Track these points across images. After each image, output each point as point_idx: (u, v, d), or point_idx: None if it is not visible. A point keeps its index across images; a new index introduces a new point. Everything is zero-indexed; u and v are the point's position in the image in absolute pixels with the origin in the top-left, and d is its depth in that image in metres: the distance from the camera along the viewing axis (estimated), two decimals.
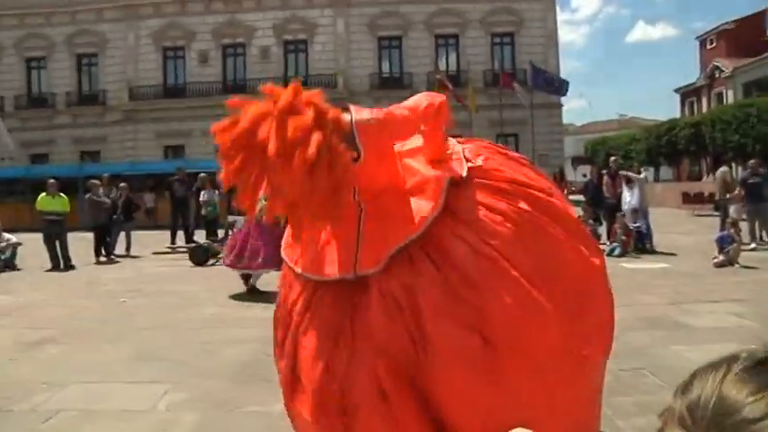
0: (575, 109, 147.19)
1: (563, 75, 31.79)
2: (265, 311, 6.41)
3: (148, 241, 13.63)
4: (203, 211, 15.11)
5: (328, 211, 1.77)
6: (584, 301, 1.98)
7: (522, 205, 2.01)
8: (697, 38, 38.72)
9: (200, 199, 15.20)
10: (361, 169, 1.89)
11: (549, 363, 1.86)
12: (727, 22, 35.17)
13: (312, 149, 1.62)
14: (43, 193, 11.51)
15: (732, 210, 11.17)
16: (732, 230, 9.66)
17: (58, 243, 11.18)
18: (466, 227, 1.94)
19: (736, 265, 9.07)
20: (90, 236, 12.32)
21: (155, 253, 12.16)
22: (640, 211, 10.94)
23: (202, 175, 14.31)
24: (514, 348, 1.82)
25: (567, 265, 2.00)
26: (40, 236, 11.31)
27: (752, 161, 12.39)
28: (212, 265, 11.02)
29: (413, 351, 1.84)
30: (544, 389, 1.85)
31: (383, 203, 2.03)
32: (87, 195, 12.63)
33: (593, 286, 2.06)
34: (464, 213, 1.97)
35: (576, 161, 44.03)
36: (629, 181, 11.38)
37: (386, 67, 31.79)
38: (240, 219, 12.51)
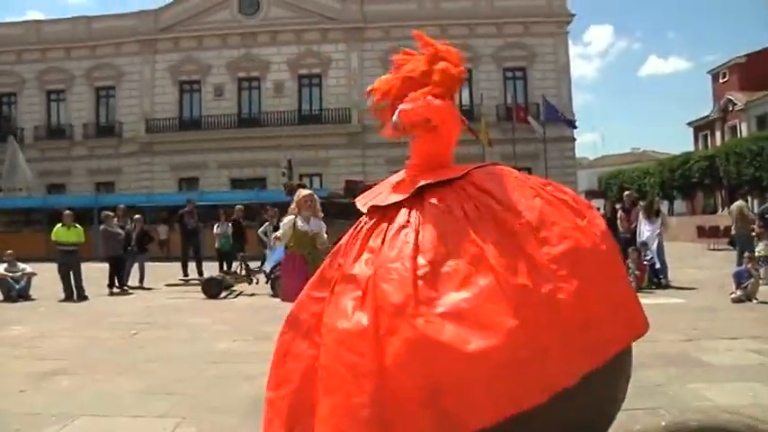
0: (588, 143, 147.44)
1: (575, 108, 31.97)
2: None
3: (162, 273, 13.66)
4: (216, 244, 15.17)
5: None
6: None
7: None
8: (709, 71, 38.83)
9: (214, 231, 15.27)
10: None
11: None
12: (738, 56, 35.29)
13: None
14: (59, 224, 11.62)
15: (762, 246, 10.93)
16: (750, 265, 9.54)
17: (72, 274, 11.24)
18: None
19: (755, 301, 8.93)
20: (104, 266, 12.38)
21: (167, 285, 12.17)
22: (659, 245, 10.80)
23: (239, 206, 14.35)
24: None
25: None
26: (54, 266, 11.38)
27: None
28: (225, 297, 11.03)
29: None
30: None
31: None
32: (102, 227, 12.73)
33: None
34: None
35: (590, 195, 43.82)
36: (657, 213, 11.23)
37: None
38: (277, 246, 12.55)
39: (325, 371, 2.40)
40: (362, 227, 2.73)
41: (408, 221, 2.52)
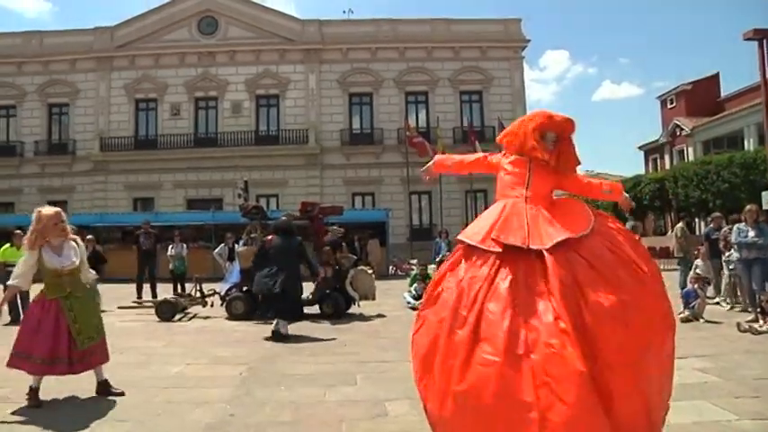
0: None
1: None
2: (233, 370, 6.31)
3: (114, 294, 13.35)
4: (171, 266, 14.92)
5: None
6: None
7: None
8: (658, 97, 40.15)
9: (168, 253, 15.04)
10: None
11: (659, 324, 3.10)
12: (685, 83, 36.64)
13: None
14: (7, 244, 11.25)
15: (701, 267, 11.30)
16: (696, 285, 9.84)
17: (18, 296, 10.87)
18: (606, 240, 3.16)
19: (701, 320, 9.21)
20: None
21: (120, 307, 11.89)
22: None
23: (249, 228, 14.02)
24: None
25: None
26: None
27: (714, 215, 12.66)
28: (179, 320, 10.83)
29: (577, 309, 2.83)
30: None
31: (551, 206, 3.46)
32: None
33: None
34: (604, 234, 3.22)
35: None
36: None
37: (356, 122, 32.28)
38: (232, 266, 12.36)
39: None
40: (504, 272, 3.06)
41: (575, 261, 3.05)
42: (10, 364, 5.10)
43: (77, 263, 5.24)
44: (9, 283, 5.21)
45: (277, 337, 8.34)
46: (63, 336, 5.10)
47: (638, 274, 3.05)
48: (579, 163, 3.74)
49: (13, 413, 4.87)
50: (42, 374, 5.13)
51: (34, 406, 4.97)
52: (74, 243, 5.30)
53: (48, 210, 5.23)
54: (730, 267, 10.61)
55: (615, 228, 3.34)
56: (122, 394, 5.28)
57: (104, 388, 5.34)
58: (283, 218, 10.49)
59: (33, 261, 5.08)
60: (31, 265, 5.09)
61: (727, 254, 10.67)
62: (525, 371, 2.68)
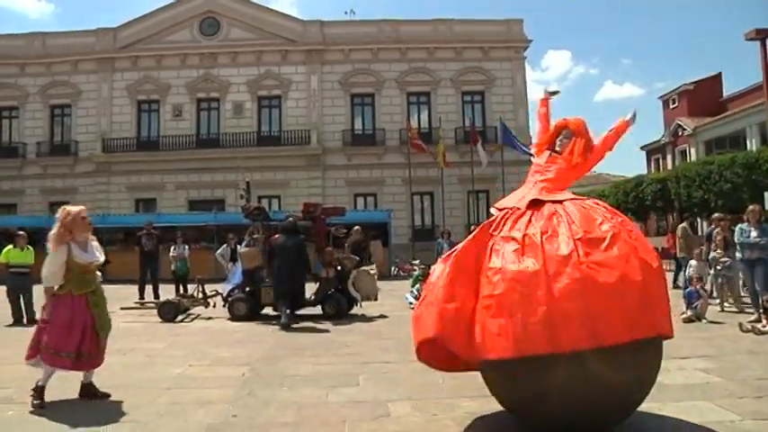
0: None
1: (533, 132, 32.53)
2: (235, 371, 6.32)
3: (117, 295, 13.35)
4: (173, 267, 14.93)
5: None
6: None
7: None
8: (660, 97, 40.11)
9: (171, 254, 15.06)
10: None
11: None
12: (687, 83, 36.58)
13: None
14: (10, 246, 11.27)
15: (693, 267, 11.22)
16: (699, 286, 9.83)
17: (22, 297, 10.90)
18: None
19: (704, 321, 9.21)
20: None
21: (123, 308, 11.89)
22: None
23: (251, 229, 13.99)
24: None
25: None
26: (2, 288, 11.03)
27: (714, 216, 12.60)
28: (181, 321, 10.85)
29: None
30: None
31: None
32: None
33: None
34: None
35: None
36: None
37: (358, 123, 32.27)
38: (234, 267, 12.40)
39: (496, 299, 3.69)
40: (509, 215, 4.18)
41: (556, 211, 4.02)
42: (47, 362, 5.08)
43: (102, 259, 5.34)
44: (45, 285, 5.15)
45: (284, 327, 9.42)
46: (89, 331, 5.16)
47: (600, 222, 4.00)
48: (605, 148, 4.89)
49: (14, 413, 4.88)
50: (71, 370, 5.17)
51: (38, 406, 4.97)
52: (95, 241, 5.38)
53: (74, 206, 5.31)
54: (717, 267, 10.61)
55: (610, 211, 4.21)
56: (108, 396, 5.28)
57: (90, 391, 5.33)
58: (290, 219, 10.66)
59: (64, 258, 5.04)
60: (63, 261, 5.04)
61: (712, 254, 10.68)
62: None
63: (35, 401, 5.00)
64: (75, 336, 5.06)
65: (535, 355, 3.50)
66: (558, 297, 3.52)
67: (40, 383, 5.09)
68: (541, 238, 3.81)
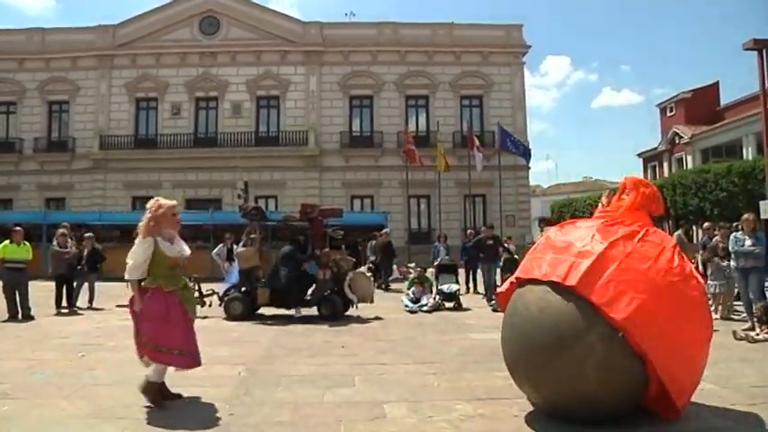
0: (541, 171, 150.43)
1: (530, 137, 32.72)
2: (231, 370, 6.33)
3: (113, 293, 13.35)
4: None
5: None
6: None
7: None
8: (658, 105, 40.24)
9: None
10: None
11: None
12: (685, 92, 36.72)
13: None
14: (6, 241, 11.26)
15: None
16: None
17: (17, 292, 10.89)
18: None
19: None
20: (52, 285, 12.05)
21: (119, 306, 11.87)
22: None
23: (249, 229, 13.93)
24: None
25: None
26: None
27: (706, 225, 12.64)
28: None
29: None
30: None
31: None
32: (51, 244, 12.40)
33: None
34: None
35: (542, 222, 44.76)
36: None
37: (356, 125, 32.33)
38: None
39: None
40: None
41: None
42: (156, 360, 4.86)
43: (188, 253, 5.10)
44: (128, 277, 4.91)
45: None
46: (189, 327, 5.02)
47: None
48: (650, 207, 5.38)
49: (9, 408, 4.88)
50: (176, 366, 5.02)
51: (172, 398, 4.97)
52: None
53: (166, 200, 5.13)
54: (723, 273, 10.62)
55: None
56: (180, 396, 5.12)
57: (164, 392, 5.07)
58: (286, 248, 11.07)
59: (151, 251, 4.85)
60: (149, 255, 4.84)
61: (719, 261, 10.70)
62: None
63: (169, 400, 4.92)
64: (175, 331, 4.84)
65: None
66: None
67: (155, 380, 4.92)
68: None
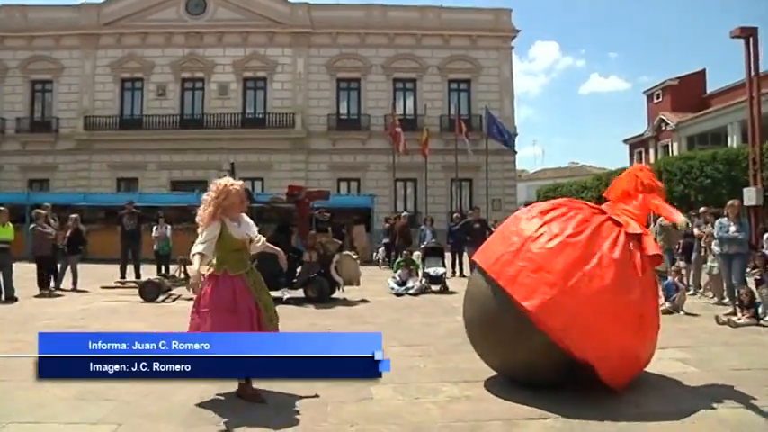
0: (528, 156, 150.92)
1: (518, 122, 32.74)
2: None
3: (98, 275, 13.27)
4: (155, 247, 14.84)
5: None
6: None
7: None
8: (644, 92, 40.36)
9: (153, 234, 14.96)
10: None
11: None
12: (671, 79, 36.84)
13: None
14: None
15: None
16: (677, 278, 9.98)
17: (1, 273, 10.78)
18: None
19: (682, 312, 9.36)
20: (35, 266, 11.95)
21: (103, 287, 11.82)
22: None
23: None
24: None
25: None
26: None
27: (702, 209, 12.66)
28: (163, 301, 10.80)
29: None
30: None
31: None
32: (32, 225, 12.27)
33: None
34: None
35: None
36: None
37: (344, 108, 32.15)
38: None
39: None
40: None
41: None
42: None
43: (257, 234, 4.74)
44: (198, 250, 4.37)
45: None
46: (255, 314, 4.56)
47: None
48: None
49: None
50: None
51: (259, 400, 4.58)
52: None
53: (235, 183, 4.61)
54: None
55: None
56: (264, 401, 4.60)
57: (247, 390, 4.63)
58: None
59: (218, 231, 4.44)
60: (216, 235, 4.42)
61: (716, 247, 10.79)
62: None
63: (251, 398, 4.56)
64: (243, 323, 4.42)
65: None
66: None
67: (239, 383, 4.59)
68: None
